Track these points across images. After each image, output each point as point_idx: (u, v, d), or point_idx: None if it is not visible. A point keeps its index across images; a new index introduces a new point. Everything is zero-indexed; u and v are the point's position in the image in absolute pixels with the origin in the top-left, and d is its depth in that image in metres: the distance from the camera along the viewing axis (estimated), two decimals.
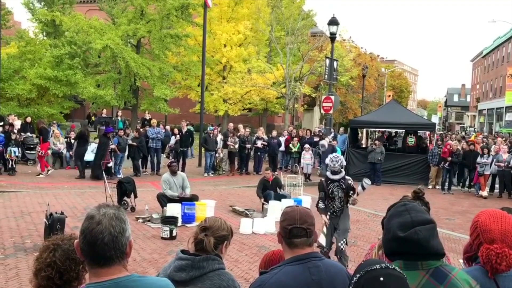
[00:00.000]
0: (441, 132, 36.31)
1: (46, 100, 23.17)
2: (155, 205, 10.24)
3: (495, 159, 15.06)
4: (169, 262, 2.66)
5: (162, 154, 16.91)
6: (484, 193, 15.15)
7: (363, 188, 6.59)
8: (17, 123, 16.06)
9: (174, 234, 8.35)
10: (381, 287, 1.67)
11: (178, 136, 16.86)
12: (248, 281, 6.09)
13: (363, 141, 24.35)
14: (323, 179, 6.99)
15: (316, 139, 18.35)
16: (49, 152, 15.93)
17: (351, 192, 6.66)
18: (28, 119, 17.57)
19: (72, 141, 16.39)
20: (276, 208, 9.96)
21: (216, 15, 27.64)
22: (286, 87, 24.33)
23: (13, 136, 14.95)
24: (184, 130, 17.26)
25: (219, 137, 17.68)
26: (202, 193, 11.98)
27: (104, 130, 15.50)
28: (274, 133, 19.07)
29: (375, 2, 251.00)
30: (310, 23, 29.86)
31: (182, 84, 28.71)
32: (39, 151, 15.10)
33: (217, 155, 17.27)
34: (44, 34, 28.77)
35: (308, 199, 11.16)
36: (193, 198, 10.08)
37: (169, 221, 8.47)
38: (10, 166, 14.45)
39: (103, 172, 11.72)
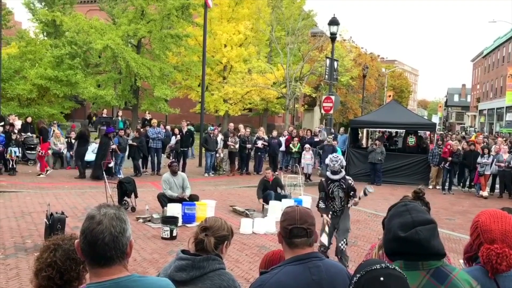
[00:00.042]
0: (441, 132, 36.32)
1: (47, 100, 23.19)
2: (156, 205, 10.24)
3: (495, 159, 15.05)
4: (169, 262, 2.67)
5: (162, 154, 16.92)
6: (485, 193, 15.14)
7: (365, 194, 6.61)
8: (18, 123, 16.06)
9: (174, 234, 8.35)
10: (381, 287, 1.67)
11: (178, 136, 16.87)
12: (249, 281, 6.09)
13: (364, 141, 24.35)
14: (323, 179, 6.99)
15: (316, 139, 18.39)
16: (50, 152, 15.94)
17: (352, 192, 6.68)
18: (29, 119, 17.57)
19: (73, 141, 16.40)
20: (276, 208, 9.96)
21: (216, 15, 27.65)
22: (287, 87, 24.33)
23: (14, 136, 14.96)
24: (185, 130, 17.27)
25: (220, 137, 17.69)
26: (202, 193, 11.98)
27: (105, 130, 15.50)
28: (275, 133, 19.08)
29: (376, 2, 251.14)
30: (311, 23, 29.87)
31: (182, 84, 28.73)
32: (39, 151, 15.11)
33: (217, 155, 17.27)
34: (45, 34, 28.80)
35: (308, 199, 11.16)
36: (194, 198, 10.09)
37: (170, 221, 8.47)
38: (10, 166, 14.46)
39: (104, 172, 11.73)
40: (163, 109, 25.04)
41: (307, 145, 17.18)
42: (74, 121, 28.20)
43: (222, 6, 27.54)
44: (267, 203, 10.61)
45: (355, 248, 8.32)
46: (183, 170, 15.11)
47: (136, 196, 10.44)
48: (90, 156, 15.43)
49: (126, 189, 10.30)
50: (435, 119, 63.27)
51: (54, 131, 17.48)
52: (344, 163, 7.66)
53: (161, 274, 2.59)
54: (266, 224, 9.28)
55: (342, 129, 21.70)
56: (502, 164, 14.78)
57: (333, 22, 18.54)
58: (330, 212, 6.73)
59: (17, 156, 14.98)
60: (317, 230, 2.42)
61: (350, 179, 6.77)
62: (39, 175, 14.59)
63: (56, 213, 7.48)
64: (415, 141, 18.58)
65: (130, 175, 13.96)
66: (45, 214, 7.63)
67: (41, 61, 22.44)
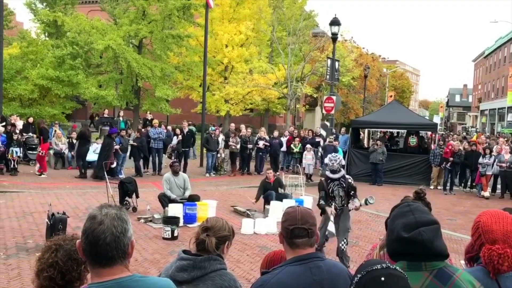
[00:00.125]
0: (442, 132, 36.29)
1: (48, 100, 23.24)
2: (157, 205, 10.25)
3: (497, 160, 15.03)
4: (170, 262, 2.67)
5: (163, 155, 16.93)
6: (486, 193, 15.12)
7: (366, 204, 6.65)
8: (19, 124, 16.08)
9: (175, 234, 8.35)
10: (382, 287, 1.67)
11: (180, 136, 16.88)
12: (250, 281, 6.09)
13: (365, 142, 24.35)
14: (323, 179, 7.03)
15: (317, 139, 18.38)
16: (51, 152, 15.93)
17: (352, 191, 6.70)
18: (30, 120, 17.61)
19: (74, 141, 16.42)
20: (277, 209, 9.96)
21: (217, 15, 27.65)
22: (288, 88, 24.32)
23: (15, 137, 14.97)
24: (186, 130, 17.28)
25: (221, 138, 17.69)
26: (203, 193, 11.99)
27: (108, 130, 15.50)
28: (276, 134, 19.08)
29: (377, 2, 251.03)
30: (312, 23, 29.85)
31: (183, 84, 28.73)
32: (39, 151, 15.13)
33: (218, 155, 17.28)
34: (46, 34, 28.85)
35: (309, 200, 11.16)
36: (195, 199, 10.09)
37: (171, 221, 8.48)
38: (12, 166, 14.49)
39: (105, 173, 11.74)
40: (165, 109, 25.04)
41: (308, 146, 17.18)
42: (75, 122, 28.24)
43: (223, 7, 27.54)
44: (268, 204, 10.61)
45: (357, 248, 8.32)
46: (184, 170, 15.12)
47: (137, 196, 10.46)
48: (91, 156, 15.44)
49: (127, 189, 10.31)
50: (437, 119, 63.16)
51: (55, 131, 17.50)
52: (343, 162, 7.69)
53: (162, 274, 2.59)
54: (267, 224, 9.28)
55: (343, 129, 21.70)
56: (504, 165, 14.76)
57: (334, 22, 18.54)
58: (333, 205, 6.74)
59: (19, 156, 15.00)
60: (317, 232, 2.42)
61: (350, 178, 6.82)
62: (40, 175, 14.59)
63: (58, 213, 7.48)
64: (416, 141, 18.58)
65: (132, 175, 13.97)
66: (47, 214, 7.64)
67: (43, 62, 22.48)
